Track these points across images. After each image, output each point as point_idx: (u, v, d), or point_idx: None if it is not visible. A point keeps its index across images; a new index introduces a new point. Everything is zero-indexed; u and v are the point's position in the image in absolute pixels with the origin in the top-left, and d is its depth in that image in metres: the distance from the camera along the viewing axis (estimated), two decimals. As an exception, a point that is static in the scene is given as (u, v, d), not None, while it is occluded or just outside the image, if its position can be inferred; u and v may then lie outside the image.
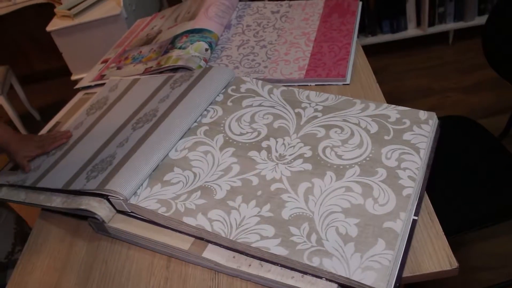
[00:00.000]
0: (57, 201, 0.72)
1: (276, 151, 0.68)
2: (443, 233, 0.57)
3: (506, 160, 1.00)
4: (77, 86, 1.06)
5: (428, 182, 0.63)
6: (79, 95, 1.04)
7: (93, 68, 1.12)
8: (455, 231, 0.89)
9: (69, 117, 0.98)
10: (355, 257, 0.52)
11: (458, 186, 0.97)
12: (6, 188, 0.81)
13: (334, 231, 0.56)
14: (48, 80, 2.51)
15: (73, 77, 1.78)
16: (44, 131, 0.96)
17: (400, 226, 0.55)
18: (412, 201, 0.58)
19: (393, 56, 2.07)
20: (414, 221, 0.58)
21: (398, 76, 1.96)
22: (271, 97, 0.79)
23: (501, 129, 1.15)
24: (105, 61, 1.13)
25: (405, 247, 0.55)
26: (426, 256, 0.55)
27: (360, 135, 0.68)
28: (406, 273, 0.53)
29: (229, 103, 0.79)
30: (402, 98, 1.83)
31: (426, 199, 0.62)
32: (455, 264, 0.53)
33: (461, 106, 1.73)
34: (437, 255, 0.55)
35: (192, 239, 0.61)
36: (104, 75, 1.05)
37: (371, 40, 2.03)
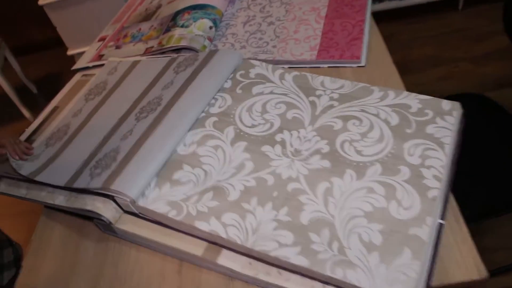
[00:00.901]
0: (60, 199, 0.68)
1: (291, 146, 0.64)
2: (470, 237, 0.55)
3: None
4: (74, 67, 1.00)
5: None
6: (77, 77, 0.99)
7: (90, 46, 1.06)
8: (474, 219, 0.87)
9: (67, 101, 0.93)
10: (380, 268, 0.49)
11: (476, 171, 0.93)
12: (5, 181, 0.78)
13: (357, 238, 0.52)
14: (43, 50, 2.42)
15: (69, 52, 1.71)
16: (41, 117, 0.92)
17: (427, 232, 0.52)
18: (438, 204, 0.55)
19: (399, 24, 1.99)
20: (440, 226, 0.55)
21: (405, 44, 1.90)
22: (282, 83, 0.74)
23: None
24: (103, 39, 1.07)
25: (431, 255, 0.52)
26: (453, 264, 0.52)
27: (380, 128, 0.64)
28: (433, 283, 0.51)
29: (238, 91, 0.74)
30: (410, 68, 1.77)
31: (452, 200, 0.58)
32: (484, 273, 0.51)
33: (471, 77, 1.67)
34: (465, 263, 0.52)
35: (205, 243, 0.58)
36: (103, 55, 1.00)
37: (377, 7, 1.94)
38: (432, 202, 0.55)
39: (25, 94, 2.10)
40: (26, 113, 1.93)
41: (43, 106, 0.94)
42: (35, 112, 1.96)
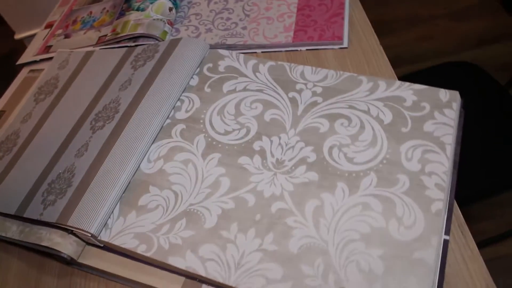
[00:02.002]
0: (13, 230, 0.59)
1: (272, 156, 0.56)
2: (478, 252, 0.49)
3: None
4: (18, 62, 0.88)
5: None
6: (23, 73, 0.87)
7: (36, 36, 0.93)
8: (468, 202, 0.82)
9: (15, 103, 0.82)
10: (385, 305, 0.43)
11: (470, 150, 0.88)
12: None
13: (355, 268, 0.46)
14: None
15: (17, 36, 1.54)
16: (-14, 122, 0.81)
17: (433, 255, 0.46)
18: (442, 218, 0.49)
19: (375, -21, 1.88)
20: (446, 243, 0.49)
21: (380, 1, 1.79)
22: (257, 77, 0.65)
23: (499, 62, 1.04)
24: (50, 25, 0.94)
25: (438, 279, 0.46)
26: (463, 286, 0.46)
27: (372, 128, 0.56)
28: (442, 313, 0.45)
29: (206, 89, 0.65)
30: (387, 28, 1.68)
31: (456, 209, 0.52)
32: (498, 298, 0.45)
33: (452, 35, 1.60)
34: (474, 284, 0.46)
35: (183, 278, 0.51)
36: (50, 46, 0.87)
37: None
38: (436, 217, 0.48)
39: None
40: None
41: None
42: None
